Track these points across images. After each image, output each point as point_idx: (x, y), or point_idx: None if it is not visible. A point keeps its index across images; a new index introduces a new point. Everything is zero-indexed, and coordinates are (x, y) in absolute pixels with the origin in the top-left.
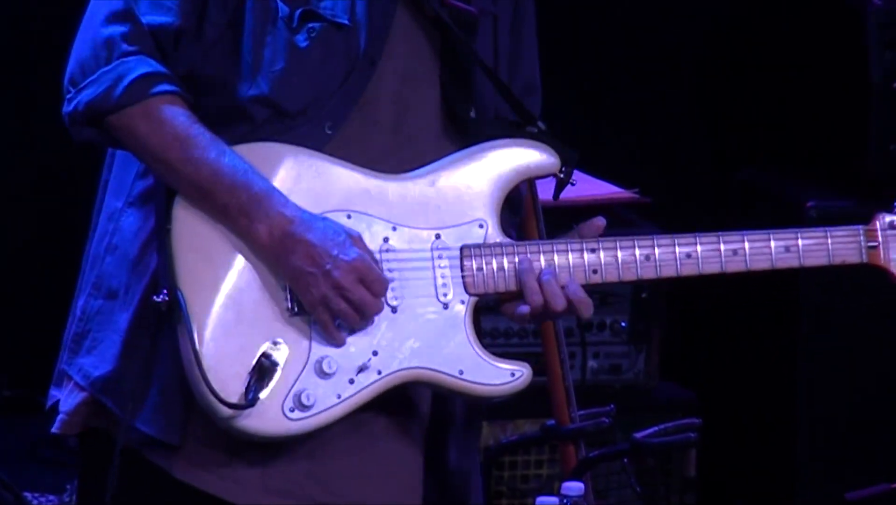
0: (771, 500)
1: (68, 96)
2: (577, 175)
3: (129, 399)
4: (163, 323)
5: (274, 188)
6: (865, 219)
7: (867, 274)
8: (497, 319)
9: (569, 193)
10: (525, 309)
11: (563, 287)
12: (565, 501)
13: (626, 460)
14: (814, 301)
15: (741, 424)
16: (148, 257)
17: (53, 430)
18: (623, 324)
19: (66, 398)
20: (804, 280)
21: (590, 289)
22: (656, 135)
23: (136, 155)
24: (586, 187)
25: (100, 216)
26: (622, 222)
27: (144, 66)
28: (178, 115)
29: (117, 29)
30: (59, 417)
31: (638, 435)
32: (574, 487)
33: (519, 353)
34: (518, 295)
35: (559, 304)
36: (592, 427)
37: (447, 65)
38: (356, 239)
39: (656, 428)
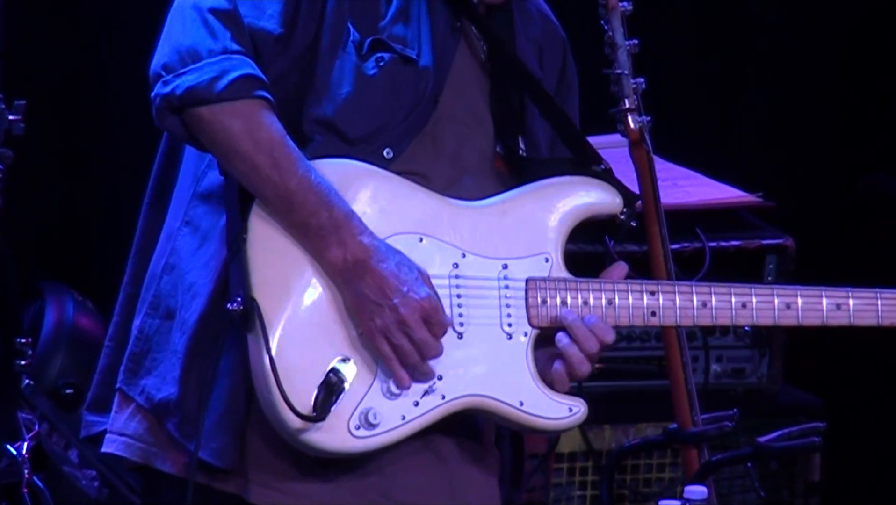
0: None
1: (164, 79)
2: (702, 178)
3: (191, 426)
4: (227, 335)
5: (353, 213)
6: None
7: None
8: None
9: (694, 197)
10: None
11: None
12: (688, 504)
13: (749, 464)
14: None
15: (866, 429)
16: (203, 279)
17: (112, 450)
18: (746, 328)
19: (128, 421)
20: None
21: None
22: (781, 138)
23: (217, 152)
24: (710, 191)
25: (145, 221)
26: (746, 226)
27: (248, 67)
28: (273, 123)
29: (222, 26)
30: (121, 438)
31: (761, 439)
32: (697, 491)
33: (641, 357)
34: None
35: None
36: (715, 431)
37: (497, 105)
38: (426, 277)
39: (780, 432)
